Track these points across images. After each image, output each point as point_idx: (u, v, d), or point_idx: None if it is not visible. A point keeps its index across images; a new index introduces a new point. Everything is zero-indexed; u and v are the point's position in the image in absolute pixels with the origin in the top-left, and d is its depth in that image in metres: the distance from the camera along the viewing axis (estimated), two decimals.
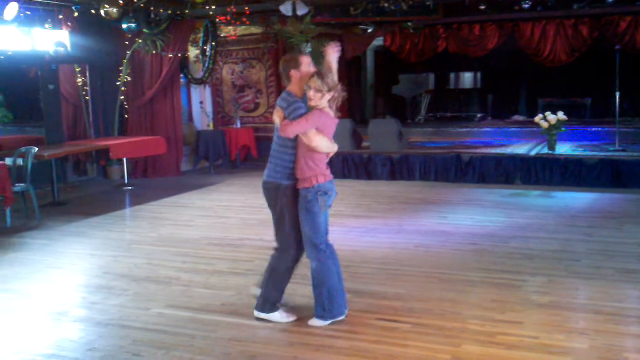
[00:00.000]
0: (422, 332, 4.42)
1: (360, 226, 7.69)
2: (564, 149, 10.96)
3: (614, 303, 4.91)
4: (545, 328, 4.44)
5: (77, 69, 11.58)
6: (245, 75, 14.33)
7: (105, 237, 7.55)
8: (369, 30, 14.64)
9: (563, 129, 10.63)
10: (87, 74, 11.72)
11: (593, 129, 12.89)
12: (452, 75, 16.54)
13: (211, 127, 13.37)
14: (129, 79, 12.04)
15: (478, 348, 4.16)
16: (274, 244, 4.80)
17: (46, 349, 4.37)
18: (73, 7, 10.74)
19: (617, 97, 10.92)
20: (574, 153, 10.54)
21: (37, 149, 8.57)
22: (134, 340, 4.44)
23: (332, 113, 4.53)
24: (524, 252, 6.36)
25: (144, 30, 11.52)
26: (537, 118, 10.69)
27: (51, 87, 10.75)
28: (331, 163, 11.71)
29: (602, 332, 4.36)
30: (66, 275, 6.15)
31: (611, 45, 11.39)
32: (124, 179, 11.15)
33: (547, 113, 10.57)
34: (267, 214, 8.42)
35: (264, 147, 13.94)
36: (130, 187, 10.91)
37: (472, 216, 8.09)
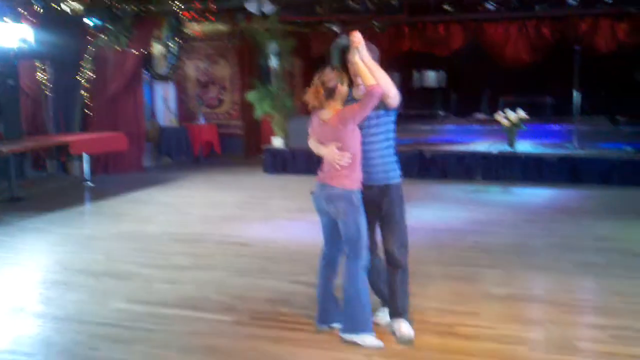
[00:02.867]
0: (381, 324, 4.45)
1: None
2: (524, 146, 11.12)
3: (569, 295, 5.01)
4: (502, 319, 4.52)
5: (39, 64, 11.38)
6: (210, 72, 14.25)
7: (64, 233, 7.44)
8: (335, 29, 14.68)
9: (523, 126, 10.79)
10: (49, 69, 11.53)
11: (553, 127, 13.12)
12: (416, 74, 16.68)
13: (174, 124, 13.26)
14: (91, 74, 11.89)
15: (437, 339, 4.21)
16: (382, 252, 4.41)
17: (3, 345, 4.29)
18: (36, 2, 10.55)
19: (576, 96, 11.14)
20: (533, 150, 10.71)
21: None
22: (91, 335, 4.39)
23: (321, 115, 4.23)
24: (484, 246, 6.46)
25: (108, 26, 11.38)
26: (499, 116, 10.85)
27: (11, 82, 10.52)
28: (295, 160, 11.67)
29: (556, 322, 4.44)
30: (24, 271, 6.04)
31: (571, 46, 11.59)
32: (85, 175, 11.00)
33: (509, 111, 10.73)
34: (228, 210, 8.45)
35: (227, 143, 13.92)
36: (90, 183, 10.76)
37: (434, 211, 8.18)
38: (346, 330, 4.19)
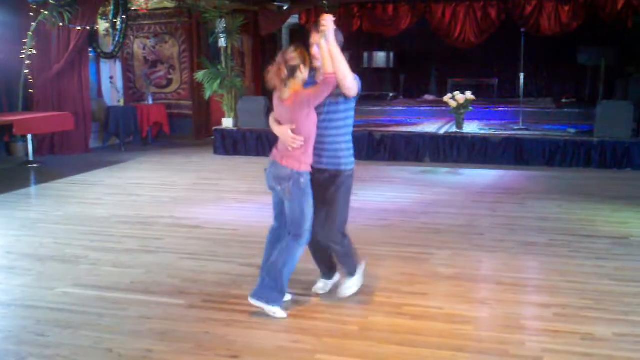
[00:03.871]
0: (330, 305, 4.50)
1: None
2: (471, 127, 11.33)
3: (514, 274, 5.15)
4: (450, 299, 4.62)
5: None
6: (158, 50, 14.02)
7: (8, 216, 7.26)
8: (285, 8, 14.57)
9: (471, 108, 10.98)
10: None
11: (499, 108, 13.38)
12: (365, 55, 16.72)
13: (122, 103, 13.02)
14: (34, 52, 11.55)
15: (385, 319, 4.28)
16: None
17: None
18: None
19: (522, 78, 11.37)
20: (480, 132, 10.91)
21: None
22: (38, 321, 4.31)
23: (281, 94, 4.24)
24: (432, 227, 6.57)
25: (50, 1, 11.04)
26: (447, 97, 11.00)
27: None
28: (246, 141, 11.57)
29: (502, 301, 4.57)
30: None
31: (517, 28, 11.79)
32: (29, 156, 10.73)
33: (456, 93, 10.89)
34: (178, 192, 8.37)
35: (176, 124, 13.75)
36: (35, 165, 10.51)
37: (382, 193, 8.27)
38: (260, 297, 4.31)
